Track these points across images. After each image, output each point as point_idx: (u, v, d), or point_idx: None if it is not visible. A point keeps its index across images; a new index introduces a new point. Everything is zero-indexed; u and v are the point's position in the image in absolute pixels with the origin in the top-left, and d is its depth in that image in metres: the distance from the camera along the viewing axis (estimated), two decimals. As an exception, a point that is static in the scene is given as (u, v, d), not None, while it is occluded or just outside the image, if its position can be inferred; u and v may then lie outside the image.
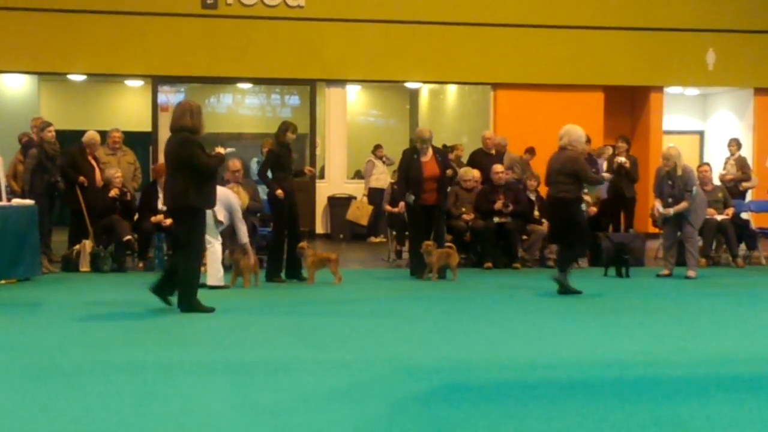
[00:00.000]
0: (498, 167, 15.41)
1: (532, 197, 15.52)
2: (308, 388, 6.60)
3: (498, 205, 14.91)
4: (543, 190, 15.60)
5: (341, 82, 20.78)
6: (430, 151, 13.78)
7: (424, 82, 22.40)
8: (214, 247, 11.92)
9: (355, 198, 19.99)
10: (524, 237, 15.26)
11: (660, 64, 21.14)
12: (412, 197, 13.52)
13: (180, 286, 10.17)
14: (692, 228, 13.83)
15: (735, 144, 17.90)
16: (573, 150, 12.10)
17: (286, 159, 13.16)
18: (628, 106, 22.19)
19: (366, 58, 20.25)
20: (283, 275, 13.05)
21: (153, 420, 5.76)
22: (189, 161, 10.09)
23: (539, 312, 10.58)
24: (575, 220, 11.97)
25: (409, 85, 22.60)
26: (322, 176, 20.71)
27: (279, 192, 12.85)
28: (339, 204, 20.18)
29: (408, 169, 13.64)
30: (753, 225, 16.65)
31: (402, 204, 13.74)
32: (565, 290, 11.72)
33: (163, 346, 8.32)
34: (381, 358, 7.79)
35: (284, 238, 13.10)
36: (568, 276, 11.83)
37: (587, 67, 20.73)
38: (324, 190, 20.32)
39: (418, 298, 10.37)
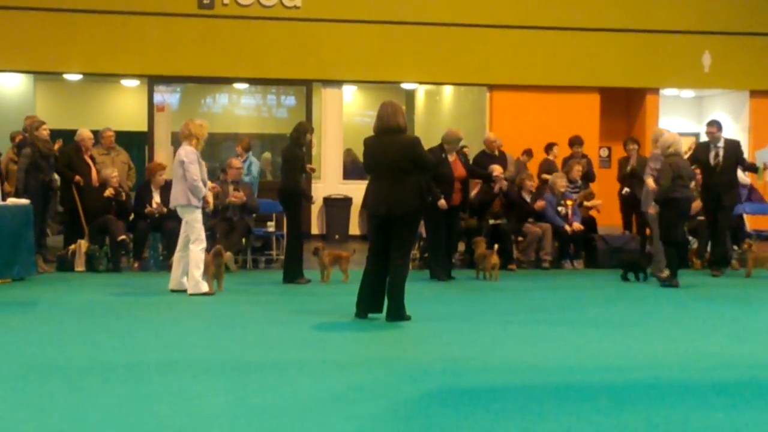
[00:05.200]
0: (498, 168, 15.39)
1: (528, 198, 15.51)
2: (306, 389, 6.60)
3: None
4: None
5: (337, 83, 20.77)
6: (455, 152, 13.83)
7: (420, 83, 22.40)
8: (194, 251, 11.61)
9: (351, 199, 19.95)
10: (519, 238, 15.27)
11: (656, 66, 21.15)
12: (441, 198, 13.40)
13: (396, 292, 9.70)
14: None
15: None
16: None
17: (303, 160, 13.20)
18: (624, 107, 22.20)
19: (362, 58, 20.24)
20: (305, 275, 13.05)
21: (148, 420, 5.76)
22: (421, 162, 9.87)
23: (534, 314, 10.59)
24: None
25: (406, 85, 22.60)
26: (318, 177, 20.71)
27: (313, 199, 13.14)
28: (335, 204, 20.17)
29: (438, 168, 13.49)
30: (748, 227, 16.70)
31: (443, 201, 13.58)
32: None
33: (158, 347, 8.32)
34: (380, 359, 7.80)
35: (302, 239, 13.14)
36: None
37: (583, 69, 20.74)
38: (320, 191, 20.31)
39: (417, 300, 10.36)
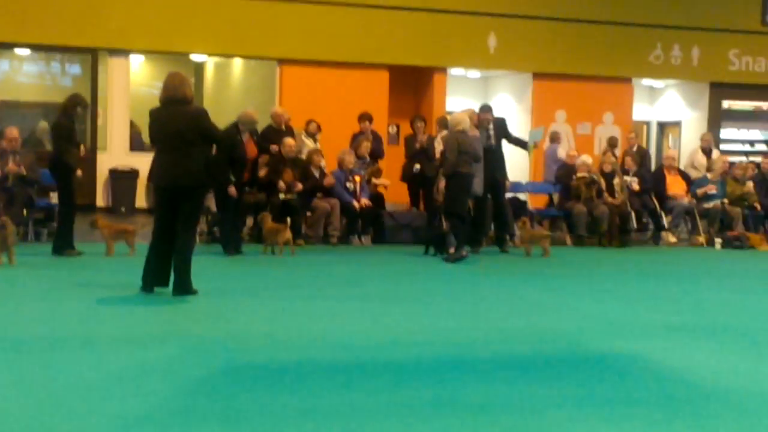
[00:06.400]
0: (290, 141, 15.40)
1: (317, 174, 15.54)
2: (90, 366, 6.46)
3: (287, 177, 14.89)
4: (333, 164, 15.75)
5: (124, 52, 20.28)
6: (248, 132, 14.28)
7: (210, 54, 22.11)
8: None
9: (138, 171, 19.53)
10: (308, 213, 15.31)
11: (443, 46, 21.49)
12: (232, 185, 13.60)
13: (183, 266, 9.56)
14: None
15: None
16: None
17: (73, 131, 12.91)
18: (413, 86, 22.49)
19: (150, 28, 19.80)
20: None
21: None
22: (208, 134, 9.75)
23: (322, 289, 10.65)
24: None
25: (195, 57, 22.26)
26: (104, 148, 20.19)
27: (79, 173, 12.91)
28: (121, 177, 19.71)
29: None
30: (530, 206, 17.30)
31: (233, 189, 13.57)
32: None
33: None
34: (166, 335, 7.70)
35: (73, 210, 12.83)
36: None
37: (373, 46, 20.89)
38: (105, 163, 19.82)
39: (205, 274, 10.24)
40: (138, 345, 7.19)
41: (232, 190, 13.39)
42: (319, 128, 17.63)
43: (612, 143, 19.36)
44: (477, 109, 15.44)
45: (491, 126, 15.14)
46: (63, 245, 12.69)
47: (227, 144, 10.35)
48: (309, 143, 16.82)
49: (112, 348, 7.07)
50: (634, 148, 19.20)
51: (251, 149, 13.89)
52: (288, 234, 13.56)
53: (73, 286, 10.11)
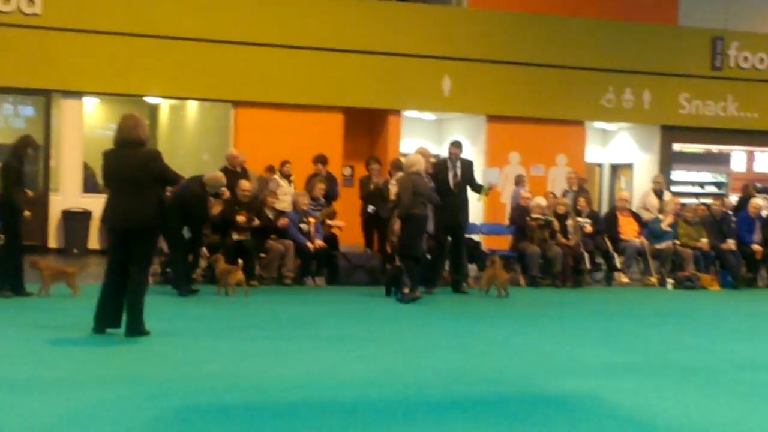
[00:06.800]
0: (245, 183, 15.39)
1: (271, 216, 15.51)
2: (38, 409, 6.39)
3: (241, 219, 14.88)
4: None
5: (78, 94, 20.21)
6: None
7: (164, 97, 22.07)
8: None
9: (90, 212, 19.40)
10: (262, 255, 15.27)
11: (398, 89, 21.62)
12: None
13: (136, 307, 9.52)
14: None
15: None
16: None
17: (22, 173, 12.87)
18: (368, 128, 22.58)
19: (104, 70, 19.77)
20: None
21: None
22: (162, 176, 9.76)
23: (275, 329, 10.62)
24: None
25: (149, 99, 22.22)
26: (56, 189, 20.06)
27: (27, 214, 12.80)
28: (74, 218, 19.59)
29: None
30: (484, 246, 17.36)
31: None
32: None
33: None
34: (117, 377, 7.63)
35: (18, 251, 12.71)
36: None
37: (328, 89, 20.97)
38: (58, 204, 19.68)
39: (158, 315, 10.16)
40: (89, 387, 7.13)
41: (204, 252, 14.04)
42: (273, 170, 17.63)
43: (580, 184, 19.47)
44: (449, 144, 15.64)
45: (458, 164, 15.22)
46: (2, 286, 12.58)
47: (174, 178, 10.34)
48: (284, 184, 16.87)
49: (62, 390, 7.00)
50: (574, 188, 19.24)
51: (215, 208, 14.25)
52: (240, 275, 13.52)
53: (21, 327, 9.99)
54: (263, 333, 10.35)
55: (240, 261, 13.84)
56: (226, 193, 14.71)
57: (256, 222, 15.11)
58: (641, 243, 17.66)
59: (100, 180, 16.72)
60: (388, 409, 6.71)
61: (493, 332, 11.09)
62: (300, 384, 7.51)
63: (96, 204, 18.91)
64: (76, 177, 20.27)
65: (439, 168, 15.29)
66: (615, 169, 26.09)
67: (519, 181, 19.78)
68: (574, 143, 23.11)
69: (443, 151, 23.25)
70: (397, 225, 13.90)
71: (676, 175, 24.52)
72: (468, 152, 22.41)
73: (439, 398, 7.17)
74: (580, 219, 17.48)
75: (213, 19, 20.38)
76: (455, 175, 15.12)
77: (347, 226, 17.19)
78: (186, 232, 13.91)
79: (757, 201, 18.79)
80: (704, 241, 17.78)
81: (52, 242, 19.71)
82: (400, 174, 14.68)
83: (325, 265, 15.96)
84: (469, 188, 15.61)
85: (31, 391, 6.92)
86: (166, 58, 20.03)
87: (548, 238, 16.58)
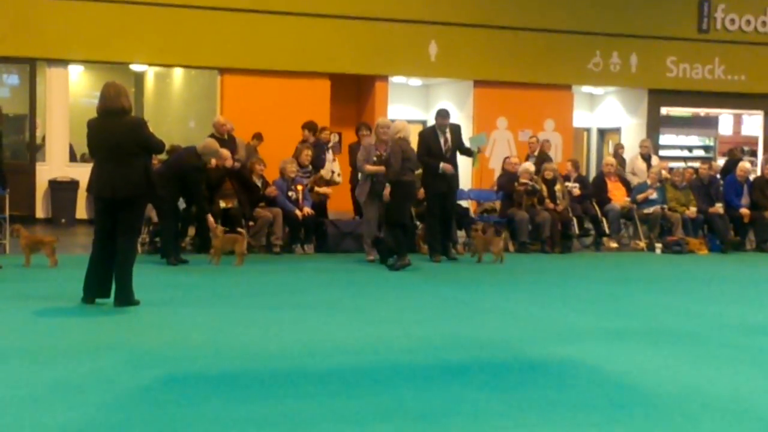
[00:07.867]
0: (226, 153, 15.33)
1: (258, 183, 15.47)
2: (29, 378, 6.38)
3: (227, 188, 14.87)
4: (268, 175, 15.70)
5: (63, 62, 20.09)
6: None
7: (150, 64, 21.96)
8: None
9: (78, 182, 19.32)
10: (251, 223, 15.23)
11: (385, 54, 21.56)
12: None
13: (124, 277, 9.49)
14: None
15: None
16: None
17: None
18: (355, 94, 22.54)
19: (89, 38, 19.64)
20: None
21: None
22: (147, 145, 9.68)
23: (263, 298, 10.62)
24: None
25: (135, 67, 22.10)
26: (43, 159, 19.98)
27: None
28: (61, 188, 19.51)
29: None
30: (472, 212, 17.36)
31: None
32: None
33: None
34: (107, 346, 7.62)
35: None
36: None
37: (314, 55, 20.89)
38: (45, 174, 19.61)
39: (147, 285, 10.15)
40: (78, 356, 7.12)
41: (211, 221, 13.76)
42: (261, 138, 17.60)
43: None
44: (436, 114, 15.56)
45: (448, 131, 15.17)
46: None
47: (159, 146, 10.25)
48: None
49: (52, 359, 7.00)
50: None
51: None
52: (245, 243, 13.57)
53: (7, 299, 9.95)
54: (253, 301, 10.35)
55: (240, 230, 13.89)
56: (213, 162, 14.66)
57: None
58: (622, 207, 17.58)
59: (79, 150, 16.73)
60: (379, 375, 6.72)
61: (482, 298, 11.10)
62: (290, 352, 7.51)
63: (82, 173, 18.90)
64: (63, 146, 20.18)
65: (428, 136, 15.24)
66: (603, 133, 26.10)
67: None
68: (561, 108, 23.11)
69: (430, 117, 23.35)
70: (387, 190, 13.87)
71: (664, 139, 24.54)
72: (455, 117, 22.33)
73: (429, 364, 7.18)
74: (568, 183, 17.48)
75: (198, -15, 20.26)
76: (446, 140, 15.08)
77: (335, 193, 17.17)
78: (180, 203, 13.89)
79: (746, 164, 18.81)
80: (693, 210, 17.79)
81: (40, 212, 19.65)
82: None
83: (314, 233, 15.93)
84: (459, 154, 15.58)
85: (21, 361, 6.91)
86: (151, 25, 19.91)
87: (536, 204, 16.58)
